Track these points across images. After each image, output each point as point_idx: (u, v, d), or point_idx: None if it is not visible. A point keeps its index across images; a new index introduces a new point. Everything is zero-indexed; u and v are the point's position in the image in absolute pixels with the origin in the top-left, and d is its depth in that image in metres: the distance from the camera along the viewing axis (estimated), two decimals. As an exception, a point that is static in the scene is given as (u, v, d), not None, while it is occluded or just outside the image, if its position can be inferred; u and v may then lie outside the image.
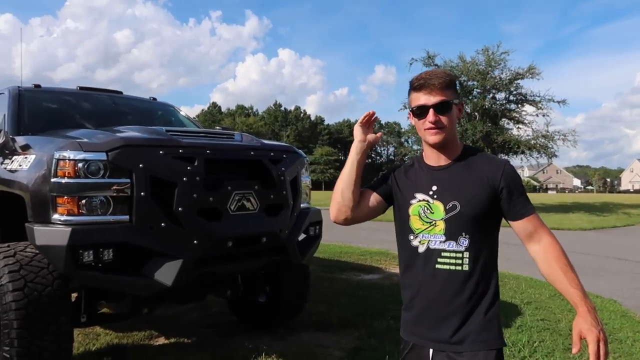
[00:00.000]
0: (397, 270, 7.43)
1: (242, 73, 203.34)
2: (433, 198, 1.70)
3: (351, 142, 1.83)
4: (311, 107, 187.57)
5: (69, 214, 2.78)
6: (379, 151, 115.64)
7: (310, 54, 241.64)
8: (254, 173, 3.35)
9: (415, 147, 28.30)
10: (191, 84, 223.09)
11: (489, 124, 22.67)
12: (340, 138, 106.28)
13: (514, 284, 6.52)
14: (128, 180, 2.84)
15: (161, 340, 4.16)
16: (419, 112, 1.68)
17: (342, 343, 4.11)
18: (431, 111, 1.64)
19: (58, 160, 2.81)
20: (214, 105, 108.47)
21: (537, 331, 4.45)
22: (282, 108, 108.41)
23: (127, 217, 2.85)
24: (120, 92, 5.00)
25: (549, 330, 4.48)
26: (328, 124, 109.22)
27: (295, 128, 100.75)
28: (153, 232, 2.87)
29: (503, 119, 23.50)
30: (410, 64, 23.64)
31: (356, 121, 1.91)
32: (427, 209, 1.70)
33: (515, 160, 23.35)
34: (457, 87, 1.86)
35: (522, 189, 1.70)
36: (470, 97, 23.18)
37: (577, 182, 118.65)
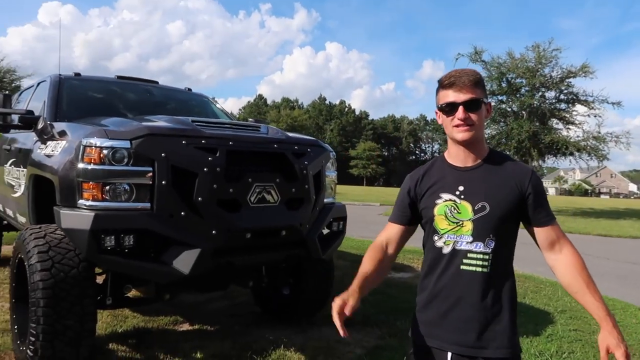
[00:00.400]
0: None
1: (289, 66, 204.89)
2: (460, 198, 1.69)
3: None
4: (356, 102, 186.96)
5: (93, 200, 2.86)
6: (424, 148, 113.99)
7: (357, 47, 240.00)
8: (277, 166, 3.34)
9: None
10: (239, 75, 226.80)
11: (537, 124, 21.85)
12: (384, 133, 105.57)
13: (549, 290, 6.27)
14: (150, 169, 2.89)
15: (185, 327, 4.25)
16: (448, 109, 1.67)
17: (364, 341, 4.06)
18: (461, 108, 1.64)
19: (85, 146, 2.90)
20: (260, 97, 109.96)
21: (567, 341, 4.26)
22: (327, 102, 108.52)
23: (148, 205, 2.91)
24: (157, 82, 5.11)
25: (581, 342, 4.28)
26: (372, 119, 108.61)
27: (339, 122, 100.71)
28: (173, 221, 2.92)
29: (552, 119, 22.58)
30: (456, 59, 23.08)
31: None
32: (454, 209, 1.69)
33: (563, 162, 22.45)
34: (486, 87, 1.83)
35: (546, 197, 1.72)
36: (517, 95, 22.42)
37: (633, 187, 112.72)
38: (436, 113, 1.76)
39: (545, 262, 1.73)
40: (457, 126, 1.66)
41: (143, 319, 4.32)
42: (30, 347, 2.95)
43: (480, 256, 1.64)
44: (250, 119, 5.45)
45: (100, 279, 3.43)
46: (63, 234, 3.06)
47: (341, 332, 1.57)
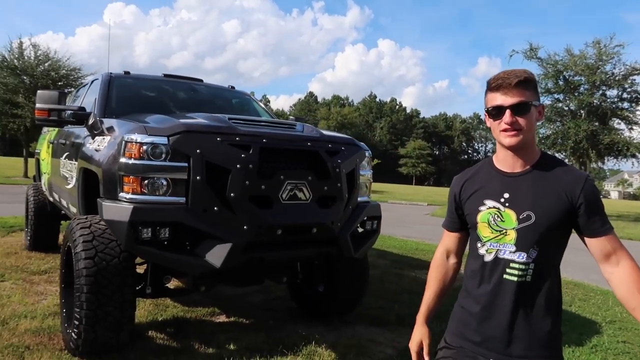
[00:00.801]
0: (471, 272, 7.15)
1: (340, 63, 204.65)
2: (505, 206, 1.63)
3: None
4: (408, 99, 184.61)
5: (132, 193, 3.00)
6: (476, 147, 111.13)
7: (410, 44, 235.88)
8: (309, 164, 3.38)
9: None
10: (291, 73, 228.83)
11: (596, 123, 20.78)
12: (435, 132, 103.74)
13: (599, 299, 5.98)
14: (186, 164, 2.99)
15: (222, 318, 4.38)
16: (495, 112, 1.61)
17: (396, 341, 4.04)
18: (508, 112, 1.57)
19: (126, 142, 3.04)
20: (311, 94, 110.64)
21: (613, 354, 4.06)
22: (377, 99, 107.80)
23: (183, 199, 3.02)
24: (201, 80, 5.27)
25: (629, 354, 4.07)
26: (423, 117, 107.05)
27: (389, 120, 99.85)
28: (206, 215, 3.02)
29: (613, 119, 21.40)
30: (510, 56, 22.24)
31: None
32: (498, 216, 1.64)
33: (625, 164, 21.24)
34: (539, 89, 1.79)
35: (602, 206, 1.61)
36: (575, 94, 21.40)
37: None
38: (485, 116, 1.69)
39: (594, 269, 1.67)
40: (504, 130, 1.59)
41: (182, 309, 4.48)
42: (75, 330, 3.13)
43: (523, 266, 1.59)
44: (291, 117, 5.53)
45: (141, 269, 3.59)
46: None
47: None
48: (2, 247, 6.80)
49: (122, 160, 3.03)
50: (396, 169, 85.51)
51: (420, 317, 1.87)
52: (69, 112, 4.24)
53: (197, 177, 2.99)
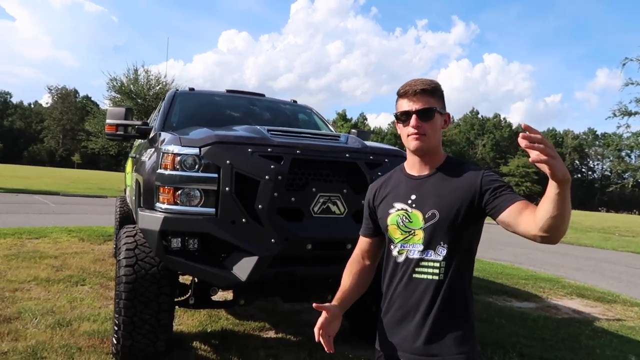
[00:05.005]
0: (559, 302, 6.45)
1: (443, 79, 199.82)
2: (412, 207, 1.69)
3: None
4: (516, 115, 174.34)
5: (167, 203, 3.04)
6: (591, 165, 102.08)
7: (519, 58, 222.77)
8: (346, 176, 3.21)
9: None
10: (393, 90, 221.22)
11: None
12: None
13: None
14: (216, 175, 2.98)
15: (269, 334, 4.31)
16: (403, 118, 1.68)
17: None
18: (414, 117, 1.64)
19: (163, 153, 3.10)
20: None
21: None
22: (480, 115, 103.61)
23: (213, 210, 2.99)
24: (263, 95, 5.33)
25: None
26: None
27: (492, 137, 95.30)
28: (234, 227, 2.96)
29: None
30: (623, 64, 20.15)
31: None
32: (406, 217, 1.69)
33: None
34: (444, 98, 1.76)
35: (505, 184, 1.60)
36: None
37: None
38: (395, 122, 1.75)
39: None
40: (410, 135, 1.65)
41: (234, 322, 4.48)
42: (114, 335, 3.23)
43: (432, 264, 1.64)
44: (353, 130, 5.39)
45: (187, 279, 3.63)
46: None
47: (325, 348, 1.70)
48: (94, 253, 7.39)
49: (159, 171, 3.10)
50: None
51: (333, 300, 1.84)
52: (135, 126, 4.48)
53: (226, 188, 2.96)
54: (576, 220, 30.74)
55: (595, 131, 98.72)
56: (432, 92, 1.66)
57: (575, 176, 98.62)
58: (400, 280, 1.70)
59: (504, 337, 4.47)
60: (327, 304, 1.74)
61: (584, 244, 15.65)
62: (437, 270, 1.63)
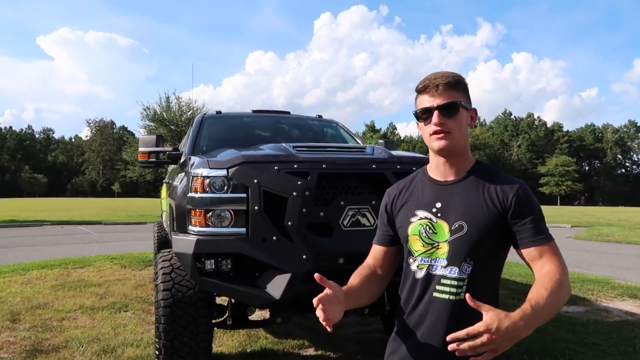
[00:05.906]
0: (609, 304, 6.16)
1: (472, 83, 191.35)
2: (437, 216, 1.52)
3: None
4: (551, 113, 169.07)
5: (199, 225, 3.09)
6: (635, 159, 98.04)
7: (549, 55, 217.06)
8: (374, 187, 3.18)
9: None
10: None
11: None
12: (582, 146, 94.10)
13: None
14: (244, 195, 3.01)
15: (309, 351, 4.28)
16: (424, 115, 1.51)
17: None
18: (436, 113, 1.48)
19: (193, 177, 3.16)
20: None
21: None
22: (512, 116, 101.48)
23: (244, 230, 3.02)
24: (288, 113, 5.38)
25: None
26: (567, 131, 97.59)
27: (527, 137, 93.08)
28: (266, 245, 2.98)
29: None
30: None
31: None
32: (430, 228, 1.52)
33: None
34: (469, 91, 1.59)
35: (538, 214, 1.46)
36: None
37: None
38: (416, 122, 1.58)
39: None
40: (434, 133, 1.49)
41: (273, 341, 4.48)
42: (157, 359, 3.28)
43: (455, 282, 1.46)
44: (380, 141, 5.37)
45: (224, 300, 3.66)
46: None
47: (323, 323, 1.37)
48: (136, 279, 7.56)
49: (190, 194, 3.15)
50: (537, 189, 78.78)
51: (331, 282, 1.45)
52: (166, 152, 4.59)
53: (255, 207, 2.98)
54: (624, 217, 29.49)
55: (637, 123, 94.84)
56: (455, 85, 1.49)
57: (619, 171, 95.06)
58: (420, 300, 1.52)
59: (552, 343, 4.29)
60: (332, 282, 1.43)
61: (633, 241, 14.95)
62: (460, 290, 1.45)
